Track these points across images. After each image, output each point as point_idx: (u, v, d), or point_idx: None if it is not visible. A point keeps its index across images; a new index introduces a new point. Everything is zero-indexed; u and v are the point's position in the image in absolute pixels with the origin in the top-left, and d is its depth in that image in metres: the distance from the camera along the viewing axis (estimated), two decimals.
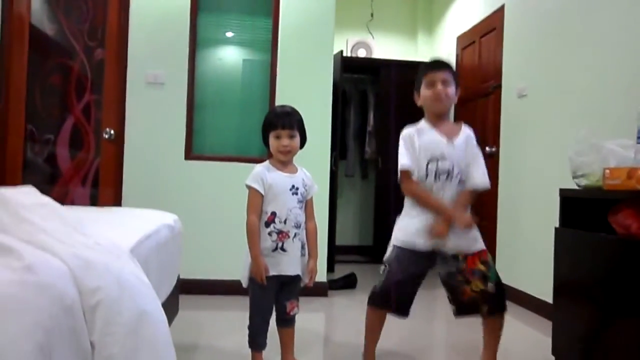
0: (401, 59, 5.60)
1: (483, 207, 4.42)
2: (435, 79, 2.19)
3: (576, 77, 3.20)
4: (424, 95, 2.24)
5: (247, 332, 2.12)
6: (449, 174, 2.15)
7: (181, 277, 2.54)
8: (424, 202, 2.16)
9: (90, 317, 1.17)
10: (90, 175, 3.70)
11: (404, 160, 2.18)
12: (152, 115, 3.65)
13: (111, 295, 1.21)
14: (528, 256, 3.62)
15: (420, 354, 2.63)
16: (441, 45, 5.63)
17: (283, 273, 2.10)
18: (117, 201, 3.58)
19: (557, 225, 2.30)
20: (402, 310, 2.19)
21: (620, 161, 2.07)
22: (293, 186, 2.12)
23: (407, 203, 2.25)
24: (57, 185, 3.67)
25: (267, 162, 2.17)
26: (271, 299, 2.12)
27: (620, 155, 2.09)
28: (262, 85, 3.82)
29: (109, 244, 1.39)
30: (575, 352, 2.17)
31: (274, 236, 2.08)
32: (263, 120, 2.20)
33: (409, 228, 2.18)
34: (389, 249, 2.23)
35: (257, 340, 2.12)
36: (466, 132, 2.25)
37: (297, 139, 2.15)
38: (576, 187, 2.27)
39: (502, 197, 4.08)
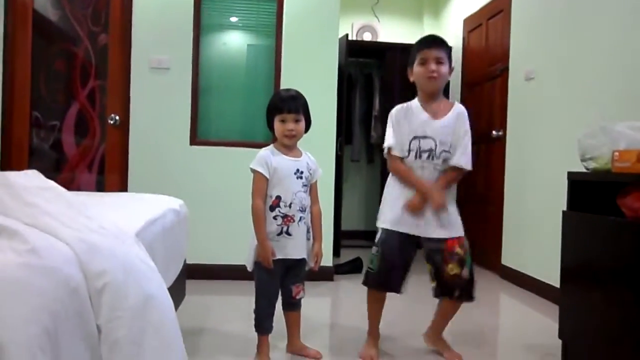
0: (407, 43, 5.54)
1: (490, 191, 4.40)
2: (429, 57, 2.20)
3: (584, 59, 3.15)
4: (416, 72, 2.25)
5: (253, 316, 2.13)
6: (430, 152, 2.19)
7: (187, 261, 2.55)
8: (405, 179, 2.22)
9: (96, 300, 1.18)
10: (96, 161, 3.70)
11: (388, 139, 2.25)
12: (156, 101, 3.64)
13: (117, 279, 1.21)
14: (535, 240, 3.60)
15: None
16: (448, 28, 5.57)
17: (288, 257, 2.10)
18: (123, 187, 3.59)
19: (565, 208, 2.28)
20: (395, 288, 2.24)
21: (630, 143, 2.03)
22: (298, 170, 2.11)
23: (390, 182, 2.30)
24: (63, 172, 3.68)
25: (271, 146, 2.16)
26: (277, 282, 2.12)
27: (630, 137, 2.05)
28: (267, 70, 3.79)
29: (114, 228, 1.39)
30: (582, 336, 2.16)
31: (279, 220, 2.07)
32: (268, 104, 2.18)
33: (394, 211, 2.24)
34: (378, 232, 2.31)
35: (263, 324, 2.13)
36: (456, 111, 2.25)
37: (302, 123, 2.14)
38: (584, 170, 2.24)
39: (509, 181, 4.05)
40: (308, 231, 2.16)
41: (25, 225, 1.18)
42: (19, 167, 3.49)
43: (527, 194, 3.75)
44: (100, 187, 3.67)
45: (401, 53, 5.28)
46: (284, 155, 2.12)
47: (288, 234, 2.08)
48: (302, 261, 2.15)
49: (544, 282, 3.41)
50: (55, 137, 3.68)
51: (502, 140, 4.17)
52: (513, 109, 4.03)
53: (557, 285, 2.37)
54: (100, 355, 1.17)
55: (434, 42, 2.25)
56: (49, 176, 1.55)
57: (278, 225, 2.08)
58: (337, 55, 3.81)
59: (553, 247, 2.51)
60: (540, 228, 3.53)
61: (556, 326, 2.30)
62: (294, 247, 2.11)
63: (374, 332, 2.36)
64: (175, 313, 1.37)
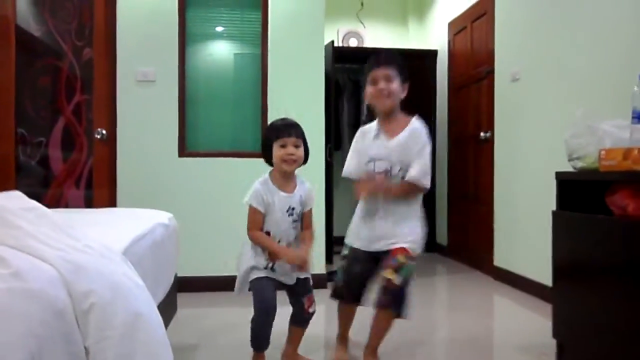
0: (393, 47, 5.56)
1: (480, 193, 4.41)
2: (378, 76, 2.20)
3: (569, 58, 3.17)
4: (368, 92, 2.26)
5: (247, 326, 2.10)
6: (387, 173, 2.20)
7: (178, 274, 2.53)
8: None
9: (83, 321, 1.16)
10: (84, 177, 3.67)
11: (345, 166, 2.34)
12: (143, 114, 3.62)
13: (104, 299, 1.19)
14: (526, 240, 3.61)
15: (420, 346, 2.63)
16: (432, 31, 5.60)
17: (286, 280, 2.12)
18: (112, 201, 3.56)
19: (554, 208, 2.29)
20: (356, 299, 2.29)
21: (616, 142, 2.05)
22: (290, 207, 2.10)
23: (358, 207, 2.36)
24: (51, 188, 3.64)
25: (266, 178, 2.11)
26: (274, 299, 2.06)
27: (615, 136, 2.07)
28: (254, 78, 3.78)
29: (100, 246, 1.37)
30: (576, 335, 2.16)
31: (266, 254, 2.08)
32: (264, 134, 2.17)
33: (353, 228, 2.34)
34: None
35: (260, 343, 2.11)
36: (412, 127, 2.23)
37: (302, 150, 2.10)
38: (572, 170, 2.25)
39: (498, 182, 4.07)
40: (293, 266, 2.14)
41: (8, 248, 1.16)
42: (5, 185, 3.45)
43: (516, 194, 3.77)
44: (89, 203, 3.64)
45: None
46: (279, 191, 2.08)
47: (272, 270, 2.08)
48: (303, 279, 2.16)
49: (536, 282, 3.42)
50: (42, 154, 3.64)
51: (490, 141, 4.18)
52: (500, 111, 4.05)
53: (549, 284, 2.37)
54: None
55: (382, 60, 2.23)
56: (37, 193, 1.53)
57: (266, 259, 2.08)
58: (324, 62, 3.81)
59: (544, 246, 2.52)
60: (530, 228, 3.54)
61: (550, 325, 2.30)
62: (283, 277, 2.12)
63: (343, 337, 2.42)
64: (164, 330, 1.35)
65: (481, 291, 3.77)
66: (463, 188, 4.82)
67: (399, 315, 2.13)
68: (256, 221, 2.06)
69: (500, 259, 4.01)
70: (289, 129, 2.08)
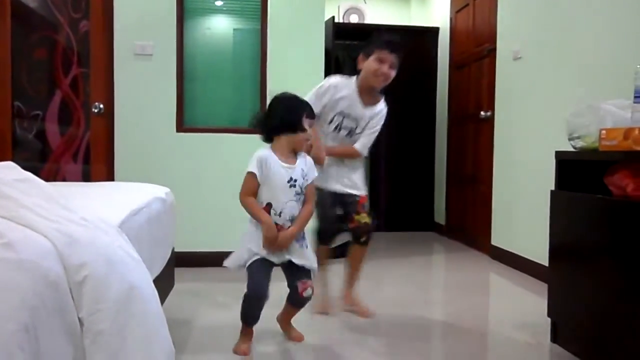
0: (394, 24, 5.50)
1: (479, 172, 4.40)
2: (386, 59, 2.45)
3: (572, 37, 3.13)
4: (369, 66, 2.48)
5: (241, 306, 2.09)
6: (350, 131, 2.55)
7: (176, 250, 2.53)
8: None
9: (77, 293, 1.15)
10: (82, 151, 3.65)
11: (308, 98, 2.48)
12: (141, 88, 3.58)
13: (98, 271, 1.19)
14: (524, 220, 3.61)
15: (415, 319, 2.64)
16: (434, 8, 5.52)
17: (281, 261, 2.08)
18: (109, 176, 3.55)
19: (553, 188, 2.28)
20: (327, 241, 2.69)
21: (617, 122, 2.03)
22: (291, 178, 2.05)
23: None
24: (48, 162, 3.62)
25: (269, 149, 2.08)
26: (266, 286, 2.05)
27: (617, 115, 2.05)
28: (253, 54, 3.74)
29: (95, 219, 1.36)
30: (571, 314, 2.17)
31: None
32: (286, 102, 2.12)
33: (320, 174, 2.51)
34: None
35: (250, 321, 2.11)
36: (381, 107, 2.58)
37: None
38: (572, 150, 2.24)
39: (497, 161, 4.05)
40: (303, 237, 2.13)
41: (1, 218, 1.15)
42: (2, 158, 3.42)
43: (516, 174, 3.76)
44: (87, 177, 3.62)
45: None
46: (280, 162, 2.05)
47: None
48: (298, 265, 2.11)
49: (533, 261, 3.43)
50: (39, 127, 3.62)
51: (490, 120, 4.16)
52: (501, 89, 4.01)
53: (546, 263, 2.38)
54: (82, 348, 1.15)
55: (395, 47, 2.48)
56: (34, 167, 1.52)
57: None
58: (324, 39, 3.77)
59: (542, 226, 2.52)
60: (529, 207, 3.53)
61: (545, 304, 2.31)
62: (289, 252, 2.08)
63: (323, 275, 2.71)
64: (159, 304, 1.35)
65: (478, 270, 3.78)
66: (462, 167, 4.81)
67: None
68: (249, 187, 2.03)
69: (498, 238, 4.01)
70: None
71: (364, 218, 2.55)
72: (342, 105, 2.53)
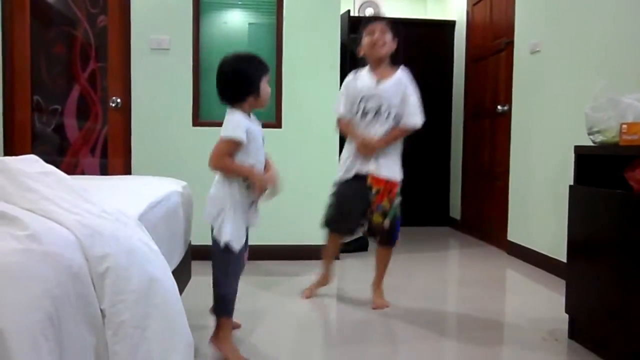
0: (410, 18, 5.46)
1: (495, 167, 4.37)
2: (374, 29, 2.58)
3: (591, 30, 3.09)
4: (364, 43, 2.61)
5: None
6: (377, 112, 2.55)
7: (193, 243, 2.55)
8: (349, 135, 2.65)
9: (99, 284, 1.17)
10: (99, 145, 3.69)
11: (336, 105, 2.68)
12: (158, 82, 3.61)
13: (120, 263, 1.21)
14: (541, 215, 3.58)
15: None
16: (451, 2, 5.48)
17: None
18: (126, 170, 3.58)
19: (572, 182, 2.26)
20: (348, 231, 2.74)
21: (639, 116, 2.00)
22: (262, 138, 2.05)
23: (345, 147, 2.70)
24: (66, 156, 3.67)
25: (240, 113, 1.98)
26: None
27: (638, 109, 2.02)
28: (269, 48, 3.74)
29: (116, 211, 1.38)
30: (589, 311, 2.16)
31: (250, 191, 1.97)
32: (241, 66, 2.01)
33: (341, 164, 2.67)
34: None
35: (231, 308, 2.03)
36: (398, 75, 2.59)
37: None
38: (591, 144, 2.21)
39: (514, 156, 4.02)
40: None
41: (26, 210, 1.17)
42: (22, 152, 3.47)
43: (533, 168, 3.72)
44: (104, 171, 3.67)
45: (404, 29, 5.19)
46: (253, 123, 2.00)
47: (256, 205, 2.03)
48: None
49: (550, 257, 3.40)
50: (58, 121, 3.67)
51: (507, 115, 4.12)
52: (518, 83, 3.97)
53: (564, 260, 2.35)
54: (104, 339, 1.17)
55: (375, 18, 2.72)
56: (52, 161, 1.54)
57: (252, 195, 1.99)
58: (339, 32, 3.76)
59: (559, 222, 2.50)
60: (546, 203, 3.50)
61: (563, 301, 2.30)
62: (256, 218, 2.07)
63: (325, 268, 2.78)
64: (179, 295, 1.36)
65: (494, 265, 3.76)
66: (478, 161, 4.77)
67: (391, 245, 2.67)
68: (228, 153, 1.92)
69: (514, 234, 3.99)
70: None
71: (377, 219, 2.56)
72: (360, 89, 2.58)
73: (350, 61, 4.89)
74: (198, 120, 3.66)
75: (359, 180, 2.59)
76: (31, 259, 1.00)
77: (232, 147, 1.92)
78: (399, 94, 2.54)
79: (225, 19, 3.82)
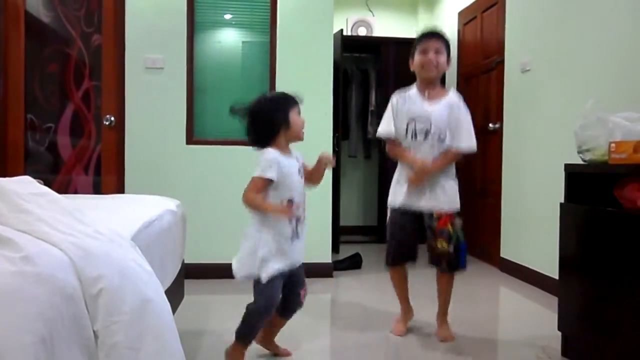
0: (402, 37, 5.53)
1: (487, 184, 4.40)
2: (429, 47, 2.42)
3: (581, 49, 3.14)
4: (416, 61, 2.47)
5: (245, 323, 2.06)
6: (426, 133, 2.42)
7: (186, 261, 2.54)
8: (400, 158, 2.51)
9: (92, 306, 1.17)
10: (92, 163, 3.69)
11: (381, 126, 2.54)
12: (152, 101, 3.62)
13: (113, 284, 1.20)
14: (533, 232, 3.60)
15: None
16: (442, 21, 5.55)
17: (293, 267, 2.07)
18: (120, 188, 3.58)
19: (562, 200, 2.28)
20: (409, 258, 2.54)
21: (627, 134, 2.03)
22: (299, 170, 2.09)
23: (397, 169, 2.57)
24: (59, 174, 3.67)
25: (273, 149, 2.04)
26: (279, 298, 2.05)
27: (626, 128, 2.05)
28: (262, 66, 3.78)
29: (109, 232, 1.38)
30: (581, 328, 2.16)
31: (294, 222, 2.03)
32: (268, 101, 2.13)
33: (395, 191, 2.53)
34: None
35: (251, 337, 2.07)
36: (450, 97, 2.48)
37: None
38: (581, 162, 2.24)
39: (506, 174, 4.05)
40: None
41: (19, 232, 1.17)
42: (14, 171, 3.47)
43: (525, 186, 3.75)
44: (97, 189, 3.66)
45: (396, 47, 5.27)
46: (287, 157, 2.05)
47: (297, 236, 2.05)
48: (301, 266, 2.14)
49: (542, 274, 3.41)
50: (51, 140, 3.67)
51: (498, 133, 4.16)
52: (509, 102, 4.02)
53: (556, 276, 2.37)
54: None
55: (433, 34, 2.47)
56: (45, 179, 1.54)
57: (292, 228, 2.03)
58: (332, 51, 3.80)
59: (551, 239, 2.51)
60: (538, 220, 3.53)
61: (555, 317, 2.30)
62: (300, 251, 2.09)
63: (404, 308, 2.62)
64: (172, 316, 1.36)
65: (487, 282, 3.77)
66: (471, 179, 4.80)
67: (457, 270, 2.49)
68: (258, 189, 1.98)
69: (507, 251, 4.00)
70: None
71: (442, 244, 2.41)
72: (409, 110, 2.45)
73: (343, 80, 4.95)
74: (192, 138, 3.67)
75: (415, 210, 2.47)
76: (25, 281, 1.00)
77: (258, 183, 1.99)
78: (451, 118, 2.42)
79: (219, 38, 3.86)
